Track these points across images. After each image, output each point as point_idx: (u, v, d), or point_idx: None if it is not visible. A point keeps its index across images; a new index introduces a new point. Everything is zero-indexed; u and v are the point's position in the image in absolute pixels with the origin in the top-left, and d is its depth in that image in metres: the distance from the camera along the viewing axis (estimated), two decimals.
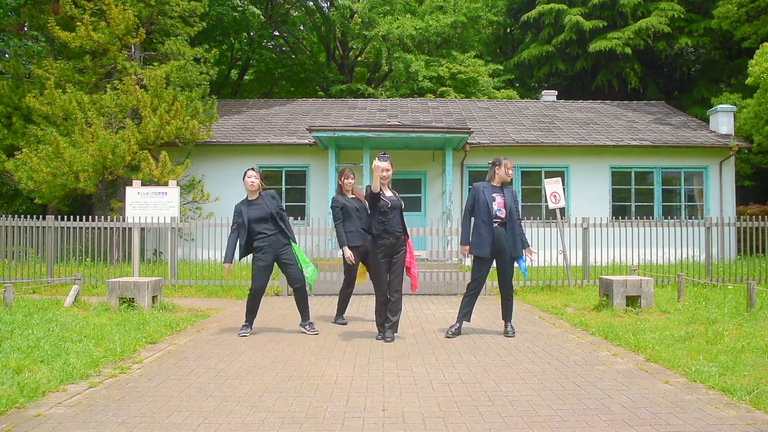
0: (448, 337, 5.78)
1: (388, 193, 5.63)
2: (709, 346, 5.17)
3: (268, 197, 5.93)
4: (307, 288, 5.98)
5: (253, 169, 5.97)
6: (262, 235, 5.81)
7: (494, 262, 5.81)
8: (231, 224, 6.03)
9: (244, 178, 5.90)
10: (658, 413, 3.49)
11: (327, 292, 9.18)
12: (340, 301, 6.64)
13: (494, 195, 5.70)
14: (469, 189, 5.90)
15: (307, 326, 6.00)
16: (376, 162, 5.33)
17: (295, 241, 5.98)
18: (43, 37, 18.95)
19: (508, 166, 5.78)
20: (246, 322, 5.98)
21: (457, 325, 5.87)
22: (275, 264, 5.98)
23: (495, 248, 5.66)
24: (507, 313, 5.94)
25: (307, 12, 25.87)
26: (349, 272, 6.47)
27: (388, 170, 5.50)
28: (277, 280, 9.21)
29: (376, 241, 5.56)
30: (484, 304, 8.10)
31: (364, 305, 7.87)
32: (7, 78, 15.23)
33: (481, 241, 5.64)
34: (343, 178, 6.50)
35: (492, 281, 9.01)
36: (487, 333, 6.04)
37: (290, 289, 7.22)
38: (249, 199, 5.92)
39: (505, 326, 5.92)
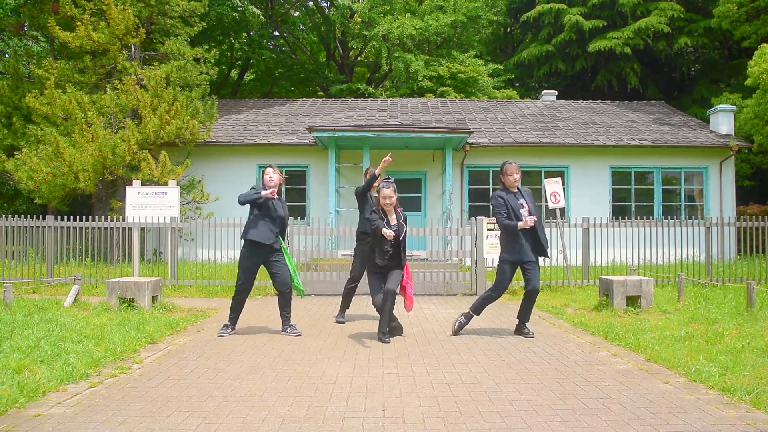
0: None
1: (394, 218, 5.62)
2: (709, 346, 5.17)
3: (283, 203, 5.98)
4: (299, 294, 6.04)
5: (271, 166, 5.93)
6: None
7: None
8: (252, 188, 5.85)
9: (263, 176, 5.87)
10: (658, 413, 3.49)
11: (327, 292, 9.18)
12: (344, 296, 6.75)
13: (520, 201, 5.65)
14: (492, 197, 5.72)
15: (288, 329, 5.94)
16: (381, 187, 5.54)
17: (285, 245, 6.00)
18: (43, 37, 18.94)
19: (509, 171, 5.70)
20: (229, 321, 5.98)
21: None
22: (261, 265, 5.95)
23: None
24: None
25: (307, 12, 25.87)
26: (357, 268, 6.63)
27: (391, 197, 5.55)
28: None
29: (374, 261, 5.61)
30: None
31: (364, 305, 7.87)
32: (7, 78, 15.22)
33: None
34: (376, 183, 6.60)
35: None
36: (487, 333, 6.04)
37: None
38: None
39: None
